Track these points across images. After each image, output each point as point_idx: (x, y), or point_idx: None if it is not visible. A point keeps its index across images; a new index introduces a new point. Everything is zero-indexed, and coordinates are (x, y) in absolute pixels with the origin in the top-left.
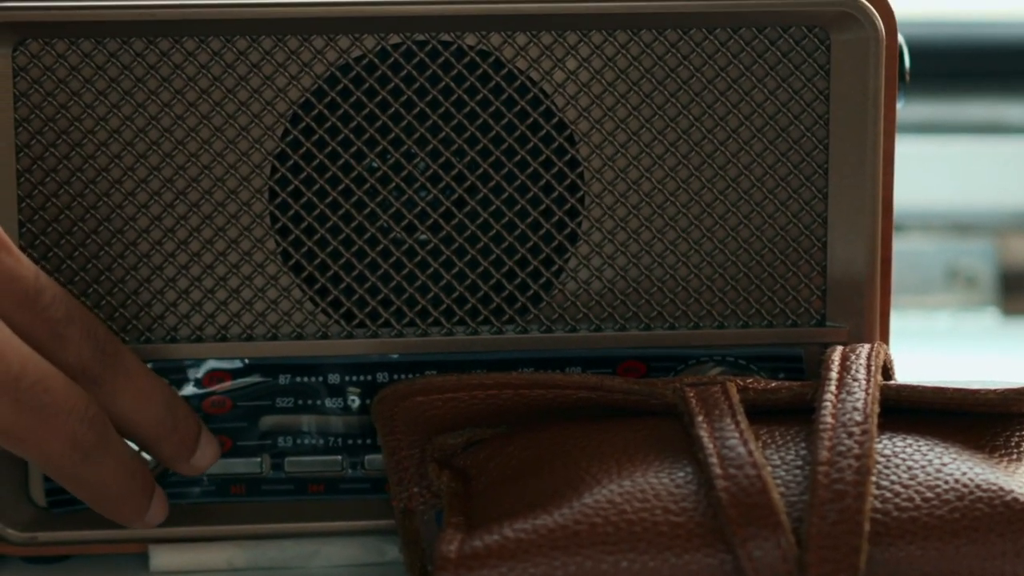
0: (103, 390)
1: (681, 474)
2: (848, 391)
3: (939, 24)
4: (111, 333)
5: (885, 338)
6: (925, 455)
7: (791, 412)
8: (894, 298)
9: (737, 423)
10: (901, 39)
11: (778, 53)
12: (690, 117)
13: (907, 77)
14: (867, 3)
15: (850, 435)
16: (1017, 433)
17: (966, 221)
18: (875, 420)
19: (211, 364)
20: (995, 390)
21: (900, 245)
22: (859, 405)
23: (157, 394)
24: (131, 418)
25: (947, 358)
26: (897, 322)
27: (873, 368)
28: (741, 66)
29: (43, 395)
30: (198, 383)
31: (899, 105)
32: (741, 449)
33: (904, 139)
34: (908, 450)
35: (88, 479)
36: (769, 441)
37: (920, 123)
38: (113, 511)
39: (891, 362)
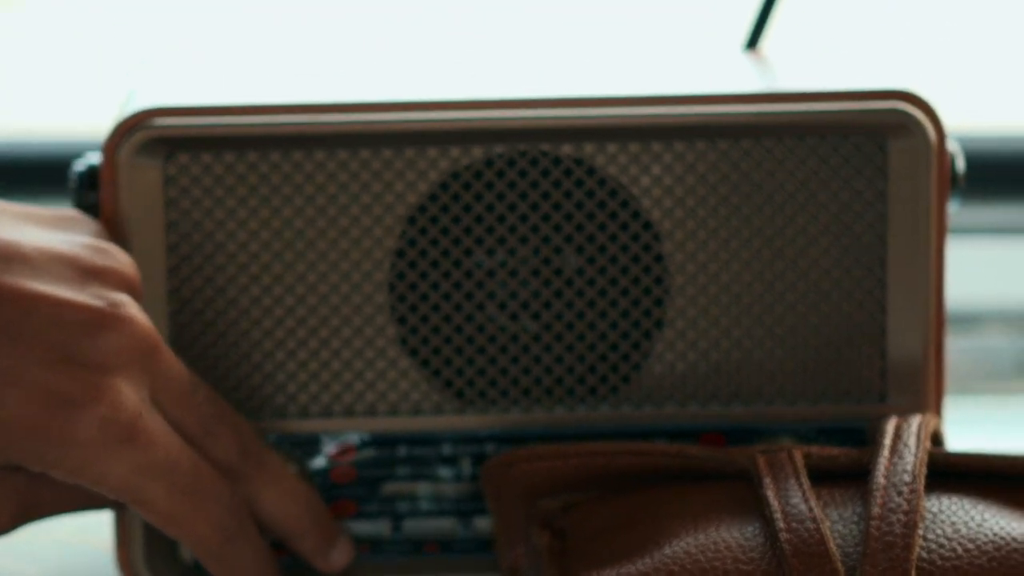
0: (249, 485)
1: (750, 529)
2: (899, 455)
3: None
4: (256, 435)
5: (939, 412)
6: (968, 512)
7: (850, 476)
8: (973, 386)
9: (800, 483)
10: (956, 146)
11: (841, 157)
12: (763, 215)
13: (960, 180)
14: (919, 114)
15: (900, 494)
16: None
17: None
18: (922, 481)
19: (338, 438)
20: None
21: (977, 340)
22: (908, 468)
23: (300, 494)
24: (274, 513)
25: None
26: (974, 410)
27: (923, 435)
28: (808, 169)
29: (195, 482)
30: (327, 455)
31: (955, 206)
32: (803, 506)
33: (981, 241)
34: (953, 507)
35: (229, 562)
36: (829, 500)
37: (997, 226)
38: None
39: (941, 432)
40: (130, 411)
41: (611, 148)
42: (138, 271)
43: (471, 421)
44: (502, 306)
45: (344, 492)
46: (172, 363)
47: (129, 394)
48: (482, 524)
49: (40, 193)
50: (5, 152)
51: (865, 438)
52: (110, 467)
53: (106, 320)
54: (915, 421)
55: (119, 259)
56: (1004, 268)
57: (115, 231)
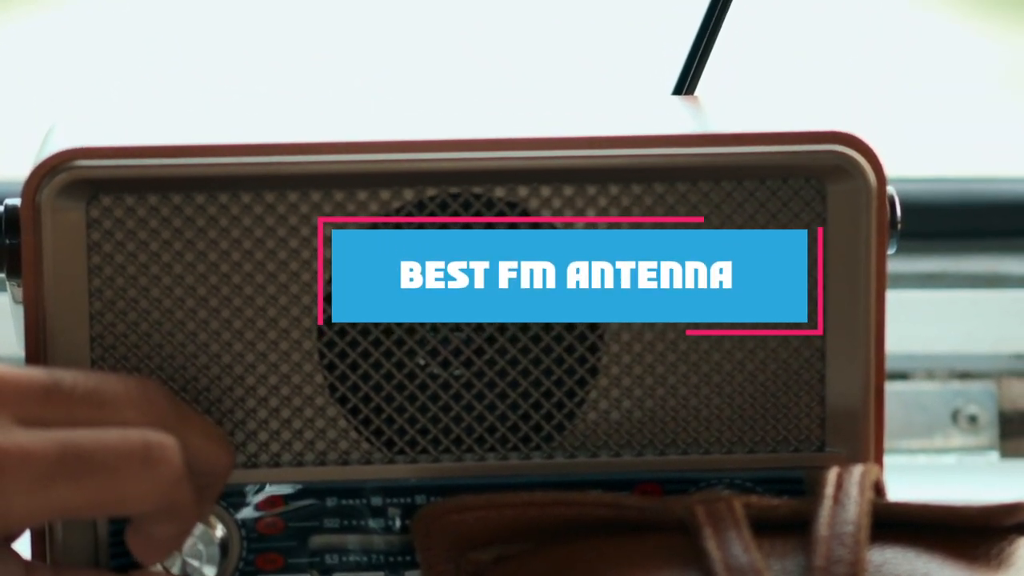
0: (177, 435)
1: None
2: (842, 506)
3: (947, 181)
4: (164, 390)
5: (880, 461)
6: (912, 563)
7: (790, 527)
8: (903, 440)
9: (741, 534)
10: (892, 190)
11: (780, 201)
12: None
13: (899, 224)
14: (858, 157)
15: (843, 545)
16: (997, 544)
17: (968, 367)
18: (866, 531)
19: (265, 488)
20: (978, 507)
21: (907, 388)
22: (851, 518)
23: (223, 437)
24: (202, 457)
25: (951, 495)
26: (902, 459)
27: (864, 486)
28: (746, 212)
29: (98, 456)
30: (253, 506)
31: (891, 250)
32: (744, 558)
33: (911, 292)
34: (896, 559)
35: (183, 503)
36: (771, 551)
37: (925, 276)
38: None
39: (882, 482)
40: None
41: (545, 191)
42: None
43: (401, 471)
44: (433, 353)
45: (271, 544)
46: (18, 374)
47: None
48: None
49: None
50: None
51: (803, 487)
52: (4, 506)
53: None
54: (857, 471)
55: None
56: (928, 319)
57: (36, 275)
